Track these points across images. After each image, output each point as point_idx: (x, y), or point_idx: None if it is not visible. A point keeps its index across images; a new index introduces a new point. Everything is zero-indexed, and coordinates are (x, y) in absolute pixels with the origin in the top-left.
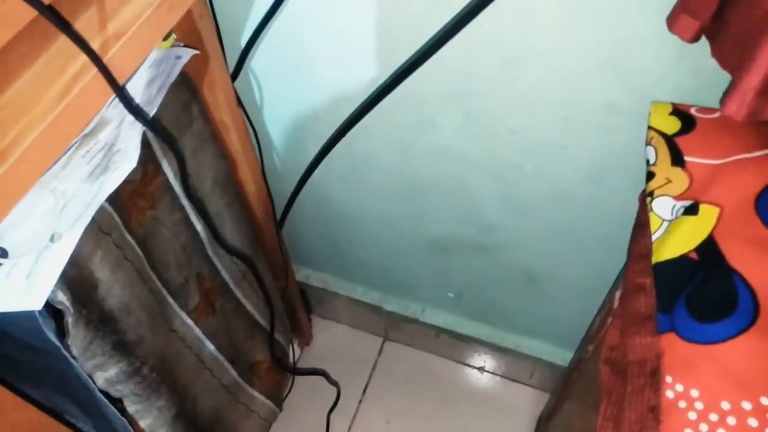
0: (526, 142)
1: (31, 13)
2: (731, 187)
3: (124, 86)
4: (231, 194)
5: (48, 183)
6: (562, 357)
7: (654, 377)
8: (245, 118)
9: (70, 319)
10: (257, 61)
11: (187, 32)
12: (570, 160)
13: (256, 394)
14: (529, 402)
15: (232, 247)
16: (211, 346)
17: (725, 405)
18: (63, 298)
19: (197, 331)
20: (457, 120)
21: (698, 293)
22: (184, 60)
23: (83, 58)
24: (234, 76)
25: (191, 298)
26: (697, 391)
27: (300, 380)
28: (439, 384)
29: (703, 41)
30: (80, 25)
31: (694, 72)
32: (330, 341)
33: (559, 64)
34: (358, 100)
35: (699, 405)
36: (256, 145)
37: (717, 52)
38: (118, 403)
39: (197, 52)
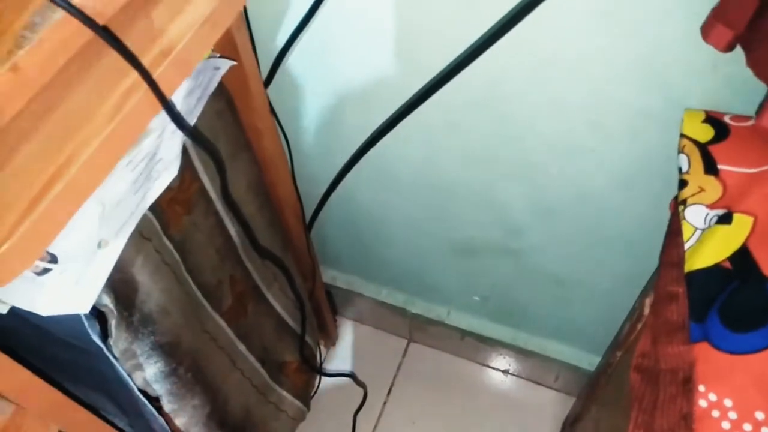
0: (554, 146)
1: (87, 34)
2: (766, 196)
3: (170, 100)
4: (262, 199)
5: (95, 192)
6: (588, 361)
7: (686, 385)
8: (277, 124)
9: (113, 322)
10: (290, 68)
11: (223, 43)
12: (599, 164)
13: (285, 393)
14: (553, 405)
15: (268, 251)
16: (242, 347)
17: (759, 415)
18: (107, 301)
19: (229, 332)
20: (485, 124)
21: (732, 303)
22: (223, 71)
23: (133, 75)
24: (267, 82)
25: (224, 300)
26: (730, 401)
27: (326, 380)
28: (464, 386)
29: (738, 49)
30: (130, 43)
31: (727, 80)
32: (355, 342)
33: (589, 69)
34: (390, 107)
35: (733, 415)
36: (287, 151)
37: (753, 63)
38: (155, 401)
39: (235, 63)
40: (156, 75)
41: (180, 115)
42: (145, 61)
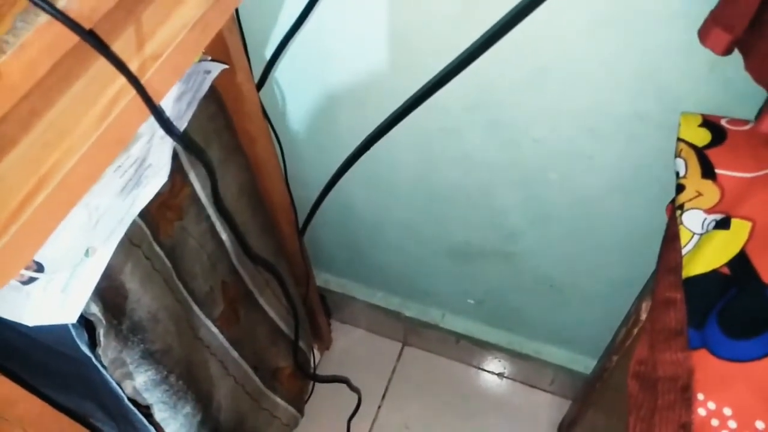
0: (551, 152)
1: (73, 39)
2: (764, 201)
3: (159, 106)
4: (255, 204)
5: (82, 199)
6: (584, 365)
7: (685, 394)
8: (270, 128)
9: (101, 330)
10: (282, 71)
11: (214, 46)
12: (595, 169)
13: (278, 400)
14: (548, 409)
15: (260, 257)
16: (235, 354)
17: (760, 424)
18: (95, 310)
19: (222, 338)
20: (481, 129)
21: (730, 309)
22: (214, 75)
23: (121, 80)
24: (259, 86)
25: (216, 306)
26: (730, 410)
27: (320, 385)
28: (459, 390)
29: (735, 52)
30: (117, 48)
31: (725, 83)
32: (349, 346)
33: (586, 74)
34: (385, 111)
35: (732, 424)
36: (279, 155)
37: (751, 67)
38: (145, 410)
39: (227, 66)
40: (144, 80)
41: (169, 120)
42: (133, 66)
